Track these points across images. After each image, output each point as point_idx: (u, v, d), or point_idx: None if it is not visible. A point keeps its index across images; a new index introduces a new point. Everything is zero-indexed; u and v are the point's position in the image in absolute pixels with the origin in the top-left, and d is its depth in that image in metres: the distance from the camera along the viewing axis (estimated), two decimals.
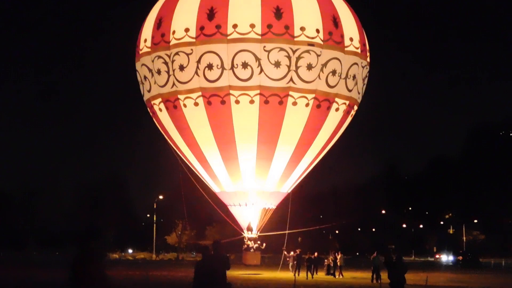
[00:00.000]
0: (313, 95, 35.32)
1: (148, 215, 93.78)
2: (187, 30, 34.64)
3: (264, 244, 39.38)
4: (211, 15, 34.36)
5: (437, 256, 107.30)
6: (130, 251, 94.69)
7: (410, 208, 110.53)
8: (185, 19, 34.85)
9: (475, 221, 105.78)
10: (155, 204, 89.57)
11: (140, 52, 37.15)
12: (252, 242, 39.32)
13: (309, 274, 50.31)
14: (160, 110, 37.07)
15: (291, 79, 34.68)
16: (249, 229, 38.97)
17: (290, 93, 34.85)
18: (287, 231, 41.05)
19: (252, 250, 39.37)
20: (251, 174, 36.86)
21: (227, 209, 40.28)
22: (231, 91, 34.58)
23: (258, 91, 34.57)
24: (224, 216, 40.42)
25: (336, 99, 36.32)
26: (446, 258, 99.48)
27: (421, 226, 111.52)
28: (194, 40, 34.48)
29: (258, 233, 39.15)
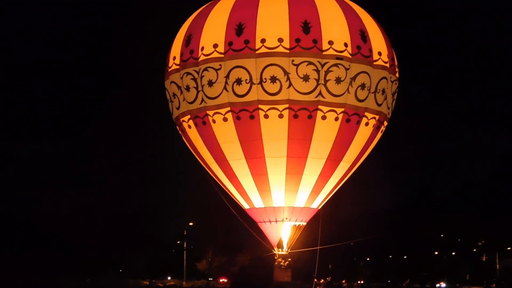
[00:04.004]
0: (343, 109, 35.30)
1: (178, 242, 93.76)
2: (215, 45, 34.93)
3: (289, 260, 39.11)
4: (239, 30, 34.67)
5: (437, 285, 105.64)
6: (169, 278, 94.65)
7: (442, 235, 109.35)
8: (213, 35, 35.19)
9: (509, 248, 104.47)
10: (185, 231, 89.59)
11: (169, 70, 37.46)
12: (283, 259, 39.07)
13: None
14: (189, 127, 37.23)
15: (320, 93, 34.70)
16: (280, 246, 38.76)
17: (319, 107, 34.86)
18: (318, 247, 40.72)
19: (283, 267, 39.09)
20: (281, 189, 36.75)
21: (257, 228, 40.10)
22: (260, 106, 34.69)
23: (287, 105, 34.63)
24: (252, 232, 40.26)
25: (366, 114, 36.22)
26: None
27: (453, 253, 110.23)
28: (222, 55, 34.73)
29: (289, 250, 38.90)
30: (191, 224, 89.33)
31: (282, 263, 39.18)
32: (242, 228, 42.84)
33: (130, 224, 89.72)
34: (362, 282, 50.47)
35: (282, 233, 38.41)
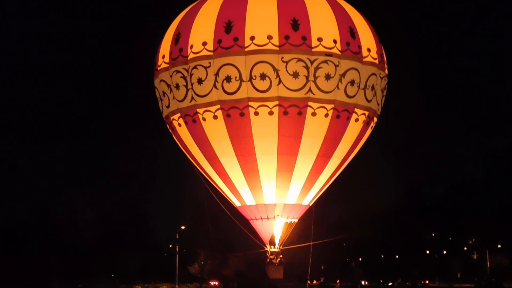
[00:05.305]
0: (332, 106, 35.38)
1: (170, 245, 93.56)
2: (204, 43, 34.97)
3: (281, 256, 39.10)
4: (228, 28, 34.70)
5: (423, 282, 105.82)
6: (161, 281, 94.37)
7: (433, 234, 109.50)
8: (202, 33, 35.22)
9: (499, 246, 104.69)
10: (177, 235, 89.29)
11: (159, 69, 37.40)
12: (275, 256, 39.03)
13: None
14: (180, 125, 37.21)
15: (310, 90, 34.76)
16: (272, 243, 38.75)
17: (309, 103, 34.93)
18: (311, 243, 40.76)
19: (275, 264, 39.05)
20: (272, 186, 36.75)
21: (249, 227, 40.05)
22: (250, 103, 34.72)
23: (277, 102, 34.68)
24: (243, 228, 40.23)
25: (356, 110, 36.31)
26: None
27: (444, 251, 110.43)
28: (212, 53, 34.77)
29: (281, 247, 38.88)
30: (183, 227, 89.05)
31: (274, 260, 39.12)
32: (234, 230, 42.72)
33: (122, 228, 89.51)
34: (366, 283, 50.69)
35: (274, 230, 38.40)
